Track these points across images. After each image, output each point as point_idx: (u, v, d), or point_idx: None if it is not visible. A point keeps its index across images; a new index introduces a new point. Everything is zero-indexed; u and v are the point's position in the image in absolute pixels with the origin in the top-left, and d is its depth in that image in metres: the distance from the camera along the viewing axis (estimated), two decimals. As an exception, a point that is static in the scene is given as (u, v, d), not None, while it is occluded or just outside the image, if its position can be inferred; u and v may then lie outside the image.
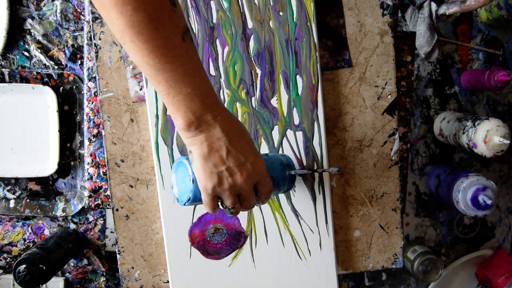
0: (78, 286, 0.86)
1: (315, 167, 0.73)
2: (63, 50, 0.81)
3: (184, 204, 0.56)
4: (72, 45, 0.81)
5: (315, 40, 0.72)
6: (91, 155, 0.80)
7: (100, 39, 0.73)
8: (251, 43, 0.72)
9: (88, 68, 0.79)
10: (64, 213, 0.82)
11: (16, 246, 0.85)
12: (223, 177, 0.52)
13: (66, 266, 0.85)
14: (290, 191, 0.74)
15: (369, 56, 0.75)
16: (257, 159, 0.53)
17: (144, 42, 0.44)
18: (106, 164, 0.75)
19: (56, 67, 0.82)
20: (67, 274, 0.86)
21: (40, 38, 0.81)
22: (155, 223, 0.76)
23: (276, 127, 0.73)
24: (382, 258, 0.79)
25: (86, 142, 0.80)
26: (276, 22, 0.72)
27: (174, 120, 0.50)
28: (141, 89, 0.74)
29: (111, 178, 0.75)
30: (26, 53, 0.81)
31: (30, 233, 0.85)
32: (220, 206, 0.55)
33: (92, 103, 0.79)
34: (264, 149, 0.73)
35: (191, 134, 0.50)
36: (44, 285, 0.85)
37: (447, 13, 0.65)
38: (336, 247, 0.78)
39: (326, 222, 0.75)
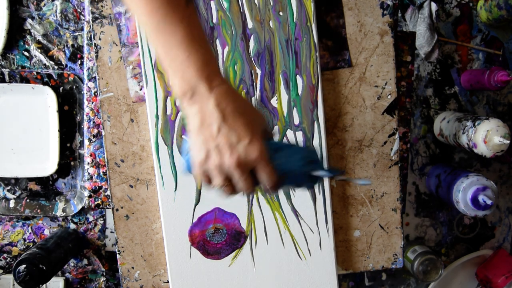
0: (78, 286, 0.86)
1: (342, 174, 0.65)
2: (63, 50, 0.81)
3: (185, 173, 0.54)
4: (72, 45, 0.81)
5: (315, 40, 0.72)
6: (91, 155, 0.80)
7: (100, 39, 0.73)
8: (251, 43, 0.72)
9: (88, 68, 0.79)
10: (64, 213, 0.82)
11: (16, 246, 0.85)
12: (210, 154, 0.49)
13: (66, 266, 0.85)
14: (290, 191, 0.74)
15: (369, 56, 0.75)
16: (253, 143, 0.49)
17: (147, 2, 0.45)
18: (106, 164, 0.75)
19: (56, 67, 0.82)
20: (67, 274, 0.86)
21: (40, 38, 0.81)
22: (155, 223, 0.76)
23: (276, 127, 0.73)
24: (382, 258, 0.79)
25: (86, 142, 0.80)
26: (276, 22, 0.72)
27: (171, 84, 0.49)
28: (141, 89, 0.74)
29: (111, 178, 0.75)
30: (26, 53, 0.81)
31: (30, 233, 0.85)
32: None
33: (92, 103, 0.79)
34: (264, 149, 0.73)
35: (185, 104, 0.48)
36: (44, 285, 0.85)
37: None
38: (336, 247, 0.78)
39: (326, 222, 0.75)
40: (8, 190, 0.84)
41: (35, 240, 0.85)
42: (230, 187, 0.51)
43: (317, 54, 0.72)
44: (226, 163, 0.49)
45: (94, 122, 0.79)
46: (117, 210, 0.76)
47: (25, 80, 0.80)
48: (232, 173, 0.50)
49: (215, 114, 0.48)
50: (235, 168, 0.49)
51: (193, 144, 0.49)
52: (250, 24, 0.71)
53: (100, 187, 0.80)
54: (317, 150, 0.59)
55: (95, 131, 0.79)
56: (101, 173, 0.80)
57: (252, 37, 0.72)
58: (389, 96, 0.76)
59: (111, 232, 0.84)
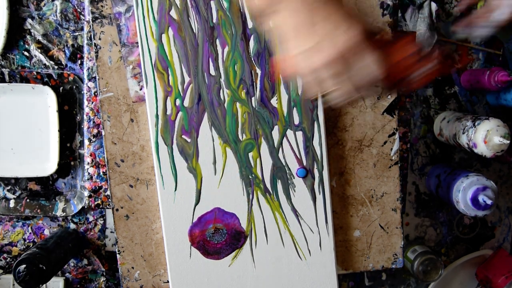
0: (78, 286, 0.86)
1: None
2: (63, 50, 0.81)
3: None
4: (72, 45, 0.81)
5: (315, 40, 0.72)
6: (91, 155, 0.80)
7: (100, 39, 0.74)
8: (251, 43, 0.72)
9: (88, 68, 0.79)
10: (64, 213, 0.82)
11: (16, 246, 0.85)
12: (317, 48, 0.45)
13: (66, 266, 0.85)
14: (290, 191, 0.74)
15: (369, 56, 0.75)
16: (353, 27, 0.45)
17: None
18: (106, 164, 0.75)
19: (56, 67, 0.82)
20: (67, 274, 0.86)
21: (40, 38, 0.81)
22: (155, 223, 0.76)
23: (276, 127, 0.73)
24: (382, 258, 0.79)
25: (86, 142, 0.80)
26: (276, 22, 0.72)
27: (252, 4, 0.47)
28: (141, 89, 0.74)
29: (111, 178, 0.75)
30: (26, 53, 0.81)
31: (30, 233, 0.85)
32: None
33: (92, 103, 0.79)
34: (264, 149, 0.73)
35: (273, 10, 0.46)
36: (44, 285, 0.85)
37: (479, 36, 0.65)
38: (336, 247, 0.78)
39: (326, 222, 0.75)
40: (8, 190, 0.84)
41: (35, 240, 0.85)
42: (344, 83, 0.47)
43: (317, 54, 0.72)
44: (334, 51, 0.45)
45: (94, 122, 0.79)
46: (117, 210, 0.76)
47: (25, 80, 0.80)
48: (344, 63, 0.46)
49: (306, 9, 0.45)
50: (348, 51, 0.45)
51: (293, 48, 0.46)
52: (250, 24, 0.71)
53: (100, 187, 0.80)
54: None
55: (95, 131, 0.79)
56: (101, 173, 0.80)
57: (252, 37, 0.72)
58: (389, 96, 0.76)
59: (111, 232, 0.84)
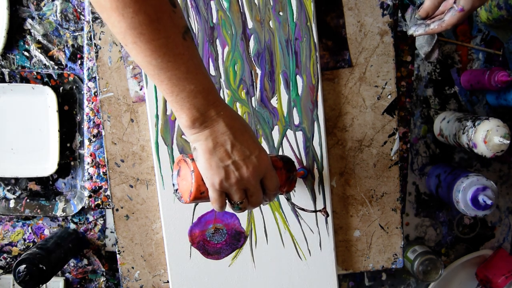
0: (78, 286, 0.86)
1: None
2: (63, 50, 0.81)
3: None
4: (72, 45, 0.81)
5: (315, 40, 0.72)
6: (91, 155, 0.80)
7: (100, 39, 0.73)
8: (251, 43, 0.72)
9: (88, 68, 0.79)
10: (64, 213, 0.82)
11: (16, 246, 0.85)
12: (229, 171, 0.52)
13: (66, 266, 0.85)
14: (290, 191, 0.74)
15: (369, 56, 0.75)
16: (261, 153, 0.54)
17: (146, 43, 0.45)
18: (106, 164, 0.75)
19: (56, 67, 0.82)
20: (67, 274, 0.86)
21: (40, 38, 0.81)
22: (155, 223, 0.76)
23: (276, 127, 0.73)
24: (382, 258, 0.79)
25: (86, 142, 0.80)
26: (276, 22, 0.72)
27: (178, 118, 0.51)
28: (141, 89, 0.74)
29: (111, 178, 0.75)
30: (26, 53, 0.81)
31: (30, 233, 0.85)
32: (228, 204, 0.55)
33: (92, 103, 0.79)
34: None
35: (195, 131, 0.51)
36: (44, 285, 0.85)
37: (414, 35, 0.69)
38: (336, 247, 0.78)
39: (326, 222, 0.75)
40: (8, 190, 0.84)
41: (35, 240, 0.85)
42: (246, 202, 0.55)
43: (317, 54, 0.72)
44: (245, 176, 0.53)
45: (94, 122, 0.79)
46: (117, 210, 0.76)
47: (25, 80, 0.80)
48: (249, 185, 0.53)
49: (227, 133, 0.51)
50: (253, 178, 0.53)
51: (208, 167, 0.52)
52: (250, 24, 0.71)
53: (100, 187, 0.80)
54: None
55: (95, 131, 0.79)
56: (101, 173, 0.80)
57: (252, 37, 0.72)
58: (389, 96, 0.76)
59: (111, 232, 0.84)
